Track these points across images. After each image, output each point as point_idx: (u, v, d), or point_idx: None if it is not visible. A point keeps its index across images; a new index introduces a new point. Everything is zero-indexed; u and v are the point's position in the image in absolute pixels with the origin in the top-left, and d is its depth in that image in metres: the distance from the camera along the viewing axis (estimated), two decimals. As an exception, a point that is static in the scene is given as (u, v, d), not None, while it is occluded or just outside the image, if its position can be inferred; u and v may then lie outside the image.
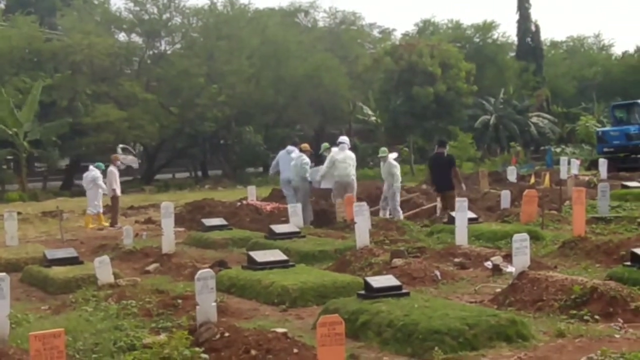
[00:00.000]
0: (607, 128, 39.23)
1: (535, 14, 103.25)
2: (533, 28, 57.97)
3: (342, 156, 19.18)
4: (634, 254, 10.07)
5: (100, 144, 40.84)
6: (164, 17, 45.10)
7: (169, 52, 46.35)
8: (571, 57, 65.36)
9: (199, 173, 49.40)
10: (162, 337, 7.60)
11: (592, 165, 33.46)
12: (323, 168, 19.64)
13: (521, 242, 9.65)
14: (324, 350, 6.21)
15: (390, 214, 19.30)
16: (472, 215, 15.65)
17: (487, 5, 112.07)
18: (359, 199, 17.45)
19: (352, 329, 7.91)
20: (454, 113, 41.45)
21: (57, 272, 12.37)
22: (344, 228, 17.24)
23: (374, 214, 18.42)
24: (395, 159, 19.92)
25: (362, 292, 8.90)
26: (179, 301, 9.51)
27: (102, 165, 22.33)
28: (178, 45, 46.69)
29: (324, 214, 19.45)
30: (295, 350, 7.00)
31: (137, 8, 45.02)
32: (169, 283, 11.85)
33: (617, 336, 7.80)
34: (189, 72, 42.17)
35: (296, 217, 17.22)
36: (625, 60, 64.56)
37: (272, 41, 44.50)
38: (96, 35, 41.18)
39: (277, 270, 11.22)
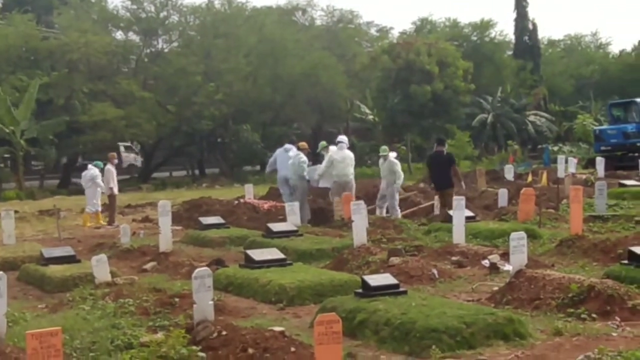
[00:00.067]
0: (605, 126, 39.30)
1: (532, 12, 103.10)
2: (530, 26, 57.99)
3: (341, 156, 19.18)
4: (631, 253, 10.08)
5: (97, 142, 40.86)
6: (161, 15, 45.10)
7: (166, 50, 46.37)
8: (568, 56, 65.37)
9: (196, 171, 49.42)
10: (160, 335, 7.59)
11: (590, 163, 33.48)
12: (321, 167, 19.64)
13: (518, 241, 9.65)
14: (322, 348, 6.20)
15: (387, 213, 19.30)
16: (470, 213, 15.65)
17: (484, 3, 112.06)
18: (357, 198, 17.46)
19: (350, 327, 7.91)
20: (452, 111, 41.48)
21: (54, 270, 12.36)
22: (341, 226, 17.24)
23: (371, 212, 18.43)
24: (395, 158, 19.94)
25: (360, 290, 8.90)
26: (176, 300, 9.49)
27: (100, 163, 22.33)
28: (175, 44, 46.71)
29: (321, 212, 19.45)
30: (292, 349, 7.00)
31: (134, 6, 45.03)
32: (166, 281, 11.85)
33: (614, 334, 7.81)
34: (186, 70, 42.17)
35: (293, 215, 17.21)
36: (623, 59, 64.58)
37: (269, 39, 44.49)
38: (93, 34, 41.18)
39: (275, 269, 11.22)
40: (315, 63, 45.44)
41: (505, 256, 11.46)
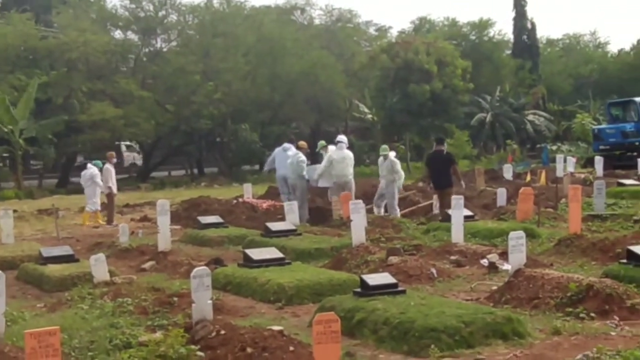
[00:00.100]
0: (603, 126, 39.30)
1: (531, 11, 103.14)
2: (529, 26, 57.96)
3: (340, 156, 19.17)
4: (629, 252, 10.08)
5: (96, 142, 40.81)
6: (160, 14, 45.07)
7: (164, 49, 46.34)
8: (567, 55, 65.37)
9: (195, 171, 49.39)
10: (158, 335, 7.60)
11: (588, 163, 33.48)
12: (321, 167, 19.62)
13: (517, 240, 9.65)
14: (320, 347, 6.20)
15: (385, 212, 19.29)
16: (469, 212, 15.67)
17: (483, 2, 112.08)
18: (356, 197, 17.45)
19: (348, 326, 7.91)
20: (450, 111, 41.45)
21: (53, 269, 12.35)
22: (340, 226, 17.23)
23: (370, 211, 18.42)
24: (394, 157, 19.95)
25: (358, 289, 8.89)
26: (175, 299, 9.50)
27: (100, 162, 22.33)
28: (174, 43, 46.67)
29: (320, 211, 19.45)
30: (291, 348, 7.00)
31: (133, 5, 44.99)
32: (164, 281, 11.85)
33: (612, 334, 7.81)
34: (184, 69, 42.16)
35: (292, 214, 17.21)
36: (621, 58, 64.59)
37: (268, 39, 44.46)
38: (92, 33, 41.14)
39: (273, 268, 11.22)
40: (314, 62, 45.42)
41: (504, 255, 11.46)
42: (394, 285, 8.89)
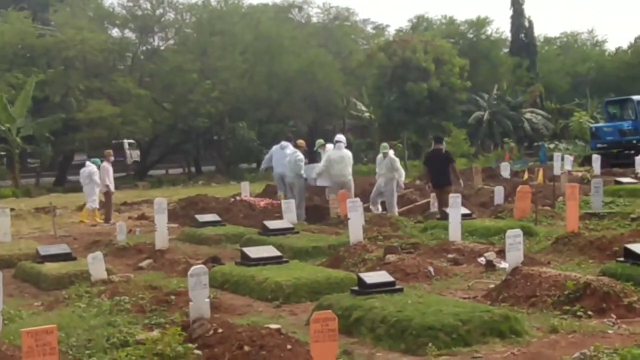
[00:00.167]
0: (601, 124, 39.30)
1: (528, 10, 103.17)
2: (527, 24, 58.00)
3: (339, 155, 19.15)
4: (627, 250, 10.08)
5: (93, 140, 40.79)
6: (157, 12, 45.04)
7: (162, 47, 46.30)
8: (565, 53, 65.41)
9: (193, 169, 49.36)
10: (155, 333, 7.60)
11: (586, 161, 33.53)
12: (319, 166, 19.58)
13: (514, 238, 9.66)
14: (317, 346, 6.20)
15: (383, 210, 19.28)
16: (466, 211, 15.67)
17: (480, 1, 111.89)
18: (354, 196, 17.45)
19: (346, 325, 7.91)
20: (448, 109, 41.45)
21: (50, 268, 12.35)
22: (337, 224, 17.23)
23: (367, 210, 18.41)
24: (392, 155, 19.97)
25: (356, 288, 8.90)
26: (172, 297, 9.49)
27: (98, 160, 22.33)
28: (171, 41, 46.65)
29: (318, 209, 19.45)
30: (288, 346, 6.99)
31: (131, 4, 44.97)
32: (162, 279, 11.84)
33: (610, 332, 7.82)
34: (182, 67, 42.14)
35: (290, 213, 17.21)
36: (619, 56, 64.64)
37: (265, 37, 44.44)
38: (89, 31, 41.10)
39: (271, 267, 11.22)
40: (311, 60, 45.41)
41: (501, 254, 11.47)
42: (392, 284, 8.90)
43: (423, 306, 7.99)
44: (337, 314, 6.57)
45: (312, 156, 25.05)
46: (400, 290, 8.82)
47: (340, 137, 20.10)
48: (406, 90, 39.18)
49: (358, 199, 14.23)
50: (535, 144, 49.74)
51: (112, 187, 22.06)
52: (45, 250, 13.41)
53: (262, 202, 21.72)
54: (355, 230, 13.03)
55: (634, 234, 12.25)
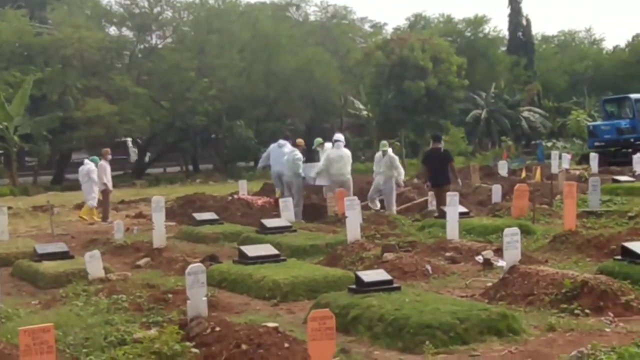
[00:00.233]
0: (598, 122, 39.32)
1: (526, 8, 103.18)
2: (524, 22, 58.04)
3: (338, 154, 19.16)
4: (624, 248, 10.09)
5: (91, 138, 40.74)
6: (155, 10, 45.02)
7: (159, 46, 46.28)
8: (562, 52, 65.43)
9: (190, 167, 49.34)
10: (153, 331, 7.59)
11: (583, 159, 33.53)
12: (319, 165, 19.58)
13: (512, 237, 9.66)
14: (315, 344, 6.20)
15: (381, 208, 19.28)
16: (464, 209, 15.68)
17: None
18: (353, 194, 17.45)
19: (343, 323, 7.91)
20: (445, 107, 41.45)
21: (48, 266, 12.34)
22: (335, 222, 17.24)
23: (365, 208, 18.41)
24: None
25: (353, 286, 8.89)
26: (170, 296, 9.49)
27: (97, 159, 22.30)
28: (169, 39, 46.63)
29: (315, 208, 19.44)
30: (286, 345, 6.99)
31: (128, 2, 44.97)
32: (159, 277, 11.84)
33: (607, 330, 7.82)
34: (179, 66, 42.12)
35: (287, 211, 17.20)
36: (616, 55, 64.67)
37: (263, 35, 44.44)
38: (87, 29, 41.09)
39: (268, 265, 11.21)
40: (309, 59, 45.41)
41: (498, 252, 11.47)
42: (389, 282, 8.90)
43: (420, 304, 7.99)
44: (334, 313, 6.57)
45: (311, 155, 25.03)
46: (398, 288, 8.82)
47: (339, 136, 20.10)
48: (404, 88, 39.17)
49: (356, 197, 14.23)
50: (533, 142, 49.77)
51: (109, 185, 22.04)
52: (42, 248, 13.40)
53: (260, 201, 21.71)
54: (353, 229, 13.03)
55: (632, 232, 12.26)
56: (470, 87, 45.15)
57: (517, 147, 47.51)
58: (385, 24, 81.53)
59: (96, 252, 11.70)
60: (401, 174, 19.41)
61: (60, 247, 13.52)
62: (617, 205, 17.77)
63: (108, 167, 22.10)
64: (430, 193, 18.74)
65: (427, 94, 39.36)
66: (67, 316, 8.77)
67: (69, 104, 40.68)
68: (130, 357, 6.99)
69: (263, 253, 11.71)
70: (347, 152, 19.59)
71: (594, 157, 27.99)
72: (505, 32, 58.79)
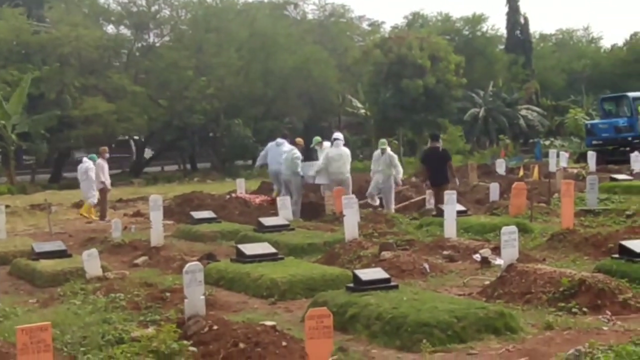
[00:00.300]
0: (596, 121, 39.30)
1: (524, 6, 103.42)
2: (522, 21, 58.03)
3: (337, 153, 19.15)
4: (622, 247, 10.09)
5: (88, 137, 40.73)
6: (153, 9, 45.02)
7: (157, 44, 46.28)
8: (560, 50, 65.45)
9: (188, 166, 49.36)
10: (151, 330, 7.60)
11: (581, 157, 33.52)
12: (318, 164, 19.56)
13: (510, 235, 9.66)
14: (313, 343, 6.20)
15: (380, 206, 19.27)
16: (461, 207, 15.68)
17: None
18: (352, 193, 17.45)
19: (341, 321, 7.91)
20: (444, 106, 41.48)
21: (45, 265, 12.33)
22: (333, 221, 17.23)
23: (363, 207, 18.39)
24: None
25: (351, 285, 8.89)
26: (168, 294, 9.49)
27: (95, 157, 22.28)
28: (167, 38, 46.63)
29: (313, 206, 19.43)
30: (283, 343, 6.99)
31: (126, 0, 44.92)
32: (157, 276, 11.83)
33: (605, 328, 7.82)
34: (177, 64, 42.12)
35: (285, 210, 17.20)
36: (614, 53, 64.69)
37: (261, 34, 44.45)
38: (84, 28, 41.08)
39: (266, 263, 11.21)
40: (306, 57, 45.43)
41: (496, 250, 11.48)
42: (387, 280, 8.90)
43: (418, 303, 7.99)
44: (332, 311, 6.57)
45: (309, 154, 25.01)
46: (396, 287, 8.82)
47: (338, 135, 20.11)
48: (402, 87, 39.19)
49: (354, 196, 14.22)
50: (531, 140, 49.80)
51: (107, 184, 22.02)
52: (40, 247, 13.39)
53: (258, 199, 21.70)
54: (351, 227, 13.02)
55: (629, 231, 12.27)
56: (468, 86, 45.17)
57: (515, 145, 47.49)
58: (383, 22, 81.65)
59: (94, 251, 11.68)
60: (399, 172, 19.42)
61: (57, 245, 13.51)
62: (615, 204, 17.77)
63: (106, 166, 22.07)
64: (429, 191, 18.73)
65: (425, 93, 39.38)
66: (64, 315, 8.77)
67: (67, 103, 40.66)
68: (128, 356, 6.98)
69: (261, 251, 11.71)
70: (347, 151, 19.59)
71: (591, 156, 27.99)
72: (503, 30, 58.88)
